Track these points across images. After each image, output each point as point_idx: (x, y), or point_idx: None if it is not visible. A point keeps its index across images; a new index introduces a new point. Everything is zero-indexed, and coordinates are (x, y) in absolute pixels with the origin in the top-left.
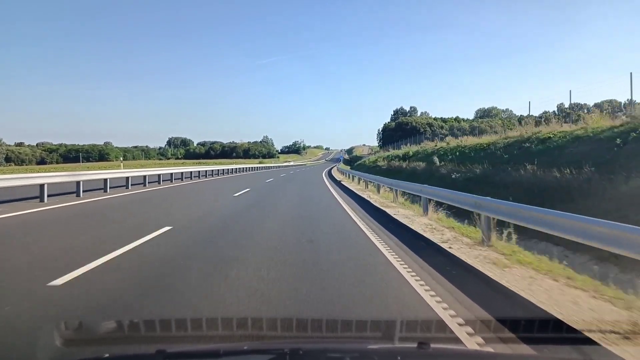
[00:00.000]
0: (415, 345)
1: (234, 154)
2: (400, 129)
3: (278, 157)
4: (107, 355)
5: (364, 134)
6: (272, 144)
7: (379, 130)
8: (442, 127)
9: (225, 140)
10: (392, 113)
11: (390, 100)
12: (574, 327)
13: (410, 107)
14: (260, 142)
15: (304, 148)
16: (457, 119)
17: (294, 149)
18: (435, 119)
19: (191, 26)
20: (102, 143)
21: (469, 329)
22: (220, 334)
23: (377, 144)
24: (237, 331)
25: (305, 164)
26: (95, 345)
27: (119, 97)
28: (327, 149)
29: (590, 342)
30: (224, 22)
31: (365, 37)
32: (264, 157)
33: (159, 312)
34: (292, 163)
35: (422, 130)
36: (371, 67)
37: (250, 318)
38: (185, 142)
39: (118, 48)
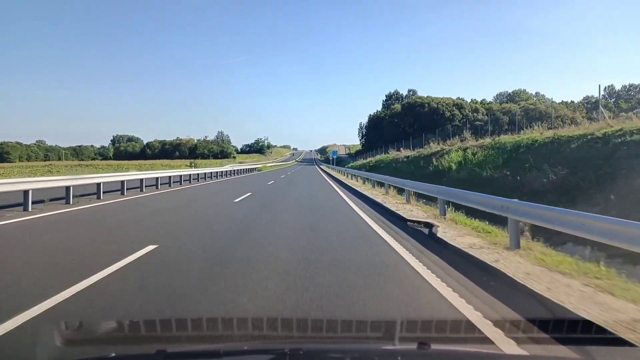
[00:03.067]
0: (415, 345)
1: (177, 153)
2: (412, 114)
3: (234, 157)
4: (107, 355)
5: (336, 134)
6: (229, 141)
7: (361, 124)
8: (476, 111)
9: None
10: (385, 98)
11: (371, 95)
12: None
13: (409, 91)
14: (214, 139)
15: (269, 147)
16: (482, 103)
17: (256, 148)
18: (460, 99)
19: (150, 25)
20: (33, 142)
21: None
22: (220, 334)
23: (360, 142)
24: (237, 331)
25: (257, 168)
26: (96, 345)
27: (59, 96)
28: (295, 149)
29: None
30: (187, 20)
31: (341, 29)
32: (215, 156)
33: None
34: (241, 166)
35: (447, 114)
36: (349, 61)
37: (251, 318)
38: (132, 140)
39: (73, 47)
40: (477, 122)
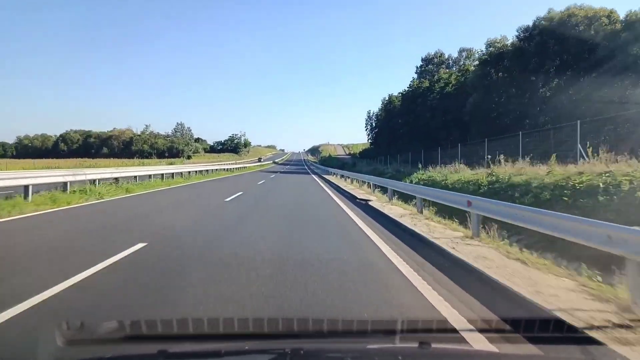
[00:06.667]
0: (416, 345)
1: (105, 149)
2: (557, 50)
3: (189, 156)
4: (108, 355)
5: (329, 133)
6: (190, 135)
7: (370, 114)
8: None
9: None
10: (421, 63)
11: (373, 87)
12: (577, 326)
13: (462, 50)
14: (171, 133)
15: (246, 145)
16: None
17: (231, 147)
18: None
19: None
20: None
21: (472, 328)
22: (221, 334)
23: (368, 139)
24: (238, 331)
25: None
26: (97, 345)
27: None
28: (282, 150)
29: (594, 341)
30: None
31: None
32: (160, 155)
33: None
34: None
35: None
36: (341, 56)
37: (251, 318)
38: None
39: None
40: None
